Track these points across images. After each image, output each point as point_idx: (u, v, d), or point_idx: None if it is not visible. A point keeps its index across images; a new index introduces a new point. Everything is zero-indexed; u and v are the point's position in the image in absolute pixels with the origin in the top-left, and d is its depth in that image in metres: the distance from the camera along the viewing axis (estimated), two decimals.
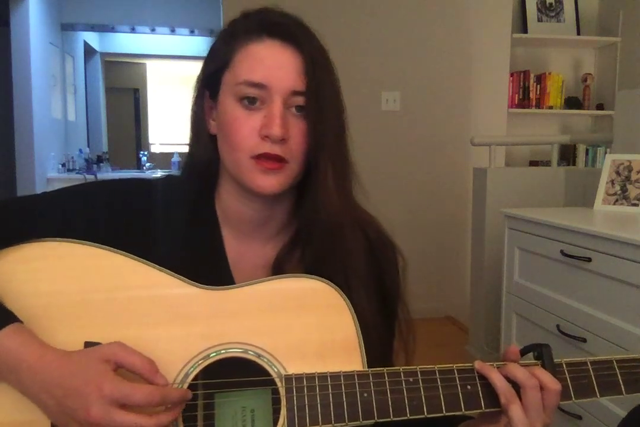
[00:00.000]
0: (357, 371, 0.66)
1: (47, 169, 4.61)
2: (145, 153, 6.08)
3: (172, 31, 5.45)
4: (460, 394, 0.67)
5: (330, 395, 0.65)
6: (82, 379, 0.60)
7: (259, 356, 0.67)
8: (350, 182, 0.78)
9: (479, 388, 0.67)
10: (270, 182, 0.72)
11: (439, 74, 3.48)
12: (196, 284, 0.69)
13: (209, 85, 0.77)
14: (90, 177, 4.58)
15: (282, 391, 0.65)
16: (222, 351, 0.67)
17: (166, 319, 0.68)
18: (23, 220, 0.73)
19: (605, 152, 3.29)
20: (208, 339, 0.67)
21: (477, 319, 2.83)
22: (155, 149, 6.67)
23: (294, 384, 0.65)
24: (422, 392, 0.66)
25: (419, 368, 0.67)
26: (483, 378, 0.67)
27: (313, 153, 0.73)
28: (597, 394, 0.69)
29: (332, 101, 0.75)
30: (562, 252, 1.71)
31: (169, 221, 0.78)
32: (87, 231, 0.73)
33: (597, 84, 3.81)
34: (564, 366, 0.70)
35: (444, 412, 0.66)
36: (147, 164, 5.82)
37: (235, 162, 0.73)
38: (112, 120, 6.30)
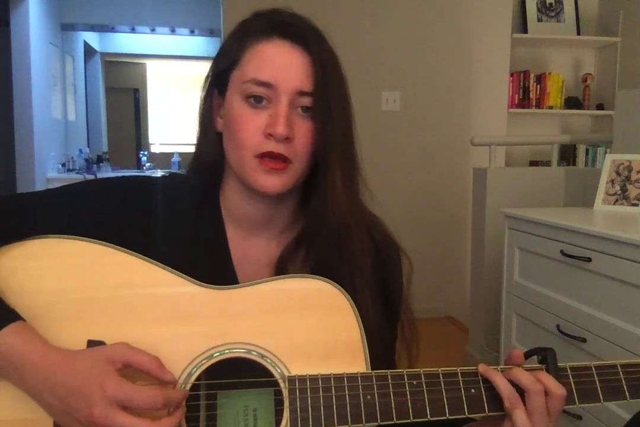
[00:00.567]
0: (360, 373, 0.66)
1: (47, 169, 4.61)
2: (145, 153, 6.07)
3: (172, 31, 5.44)
4: (464, 397, 0.67)
5: (334, 397, 0.65)
6: (85, 378, 0.60)
7: (262, 356, 0.67)
8: (357, 184, 0.79)
9: (483, 392, 0.67)
10: (273, 182, 0.72)
11: (439, 74, 3.48)
12: (201, 283, 0.69)
13: (218, 83, 0.77)
14: (90, 177, 4.56)
15: (285, 392, 0.65)
16: (226, 351, 0.67)
17: (170, 318, 0.68)
18: (26, 216, 0.73)
19: (605, 152, 3.29)
20: (212, 339, 0.67)
21: (477, 319, 2.83)
22: (155, 149, 6.67)
23: (297, 386, 0.65)
24: (426, 395, 0.66)
25: (423, 371, 0.67)
26: (487, 382, 0.67)
27: (321, 154, 0.74)
28: (601, 399, 0.68)
29: (340, 103, 0.75)
30: (562, 252, 1.72)
31: (173, 218, 0.78)
32: (91, 228, 0.73)
33: (597, 84, 3.81)
34: (569, 370, 0.69)
35: (448, 415, 0.66)
36: (147, 164, 5.82)
37: (240, 160, 0.74)
38: (112, 120, 6.30)
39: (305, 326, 0.68)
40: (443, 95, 3.50)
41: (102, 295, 0.68)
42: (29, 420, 0.64)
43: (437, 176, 3.52)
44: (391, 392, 0.65)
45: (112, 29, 5.45)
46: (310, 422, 0.64)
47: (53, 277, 0.68)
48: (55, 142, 4.81)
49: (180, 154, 5.48)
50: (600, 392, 0.69)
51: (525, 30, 3.62)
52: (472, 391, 0.67)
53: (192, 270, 0.70)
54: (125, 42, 5.89)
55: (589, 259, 1.61)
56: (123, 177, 0.81)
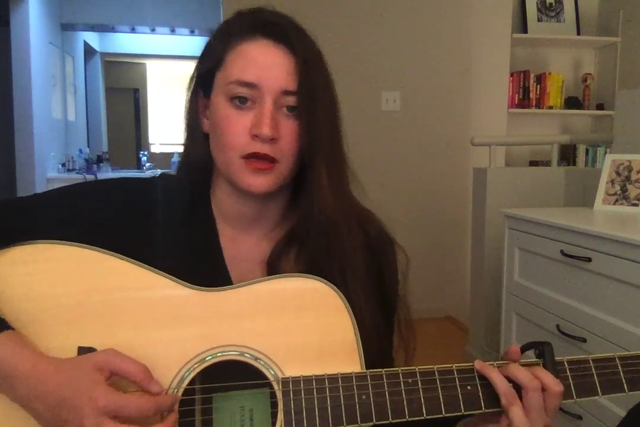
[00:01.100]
0: (355, 373, 0.66)
1: (47, 169, 4.61)
2: (145, 153, 6.08)
3: (172, 31, 5.44)
4: (460, 394, 0.66)
5: (328, 398, 0.64)
6: (75, 389, 0.59)
7: (255, 358, 0.66)
8: (346, 182, 0.78)
9: (479, 389, 0.66)
10: (259, 182, 0.72)
11: (439, 74, 3.48)
12: (191, 285, 0.69)
13: (203, 84, 0.77)
14: (90, 177, 4.58)
15: (278, 395, 0.65)
16: (219, 354, 0.66)
17: (161, 321, 0.67)
18: (17, 221, 0.72)
19: (605, 152, 3.29)
20: (204, 342, 0.67)
21: (477, 319, 2.83)
22: (155, 149, 6.67)
23: (290, 387, 0.65)
24: (421, 394, 0.65)
25: (418, 369, 0.66)
26: (483, 378, 0.67)
27: (306, 153, 0.73)
28: (599, 392, 0.68)
29: (325, 102, 0.74)
30: (562, 252, 1.71)
31: (165, 218, 0.78)
32: (84, 231, 0.72)
33: (597, 84, 3.80)
34: (566, 364, 0.69)
35: (444, 413, 0.65)
36: (147, 164, 5.82)
37: (226, 161, 0.73)
38: (112, 120, 6.30)
39: (299, 326, 0.68)
40: (443, 95, 3.50)
41: (92, 300, 0.67)
42: None
43: (437, 176, 3.52)
44: (386, 392, 0.65)
45: (112, 29, 5.45)
46: (305, 424, 0.63)
47: (43, 284, 0.67)
48: (55, 142, 4.81)
49: (180, 154, 5.46)
50: (598, 385, 0.68)
51: (525, 30, 3.61)
52: (469, 388, 0.66)
53: (185, 270, 0.70)
54: (125, 42, 5.89)
55: (589, 259, 1.61)
56: (115, 178, 0.81)
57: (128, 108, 6.64)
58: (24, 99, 4.22)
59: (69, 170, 4.91)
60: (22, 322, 0.65)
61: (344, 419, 0.64)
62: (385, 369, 0.66)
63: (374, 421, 0.64)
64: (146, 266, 0.69)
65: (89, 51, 5.81)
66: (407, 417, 0.64)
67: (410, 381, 0.66)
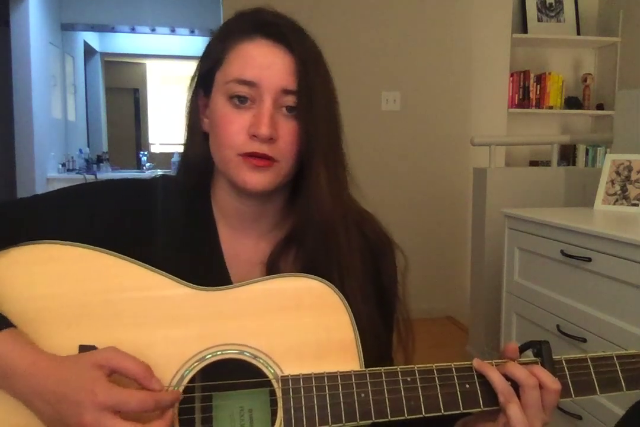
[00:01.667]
0: (354, 371, 0.66)
1: (47, 169, 4.61)
2: (145, 153, 6.08)
3: (172, 31, 5.44)
4: (458, 393, 0.66)
5: (327, 396, 0.64)
6: (75, 385, 0.60)
7: (255, 357, 0.67)
8: (344, 183, 0.78)
9: (478, 387, 0.67)
10: (257, 179, 0.72)
11: (439, 74, 3.48)
12: (191, 284, 0.69)
13: (203, 84, 0.77)
14: (90, 177, 4.58)
15: (278, 393, 0.65)
16: (218, 353, 0.66)
17: (161, 321, 0.67)
18: (18, 222, 0.72)
19: (605, 152, 3.29)
20: (204, 341, 0.67)
21: (477, 319, 2.83)
22: (155, 149, 6.67)
23: (290, 385, 0.65)
24: (420, 392, 0.65)
25: (417, 367, 0.67)
26: (481, 377, 0.67)
27: (305, 154, 0.73)
28: (597, 391, 0.68)
29: (325, 102, 0.74)
30: (562, 252, 1.71)
31: (165, 219, 0.78)
32: (84, 232, 0.72)
33: (597, 84, 3.80)
34: (564, 362, 0.69)
35: (442, 411, 0.65)
36: (147, 164, 5.82)
37: (223, 159, 0.73)
38: (112, 120, 6.30)
39: (298, 325, 0.68)
40: (443, 95, 3.50)
41: (93, 299, 0.67)
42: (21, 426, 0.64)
43: (437, 176, 3.52)
44: (385, 390, 0.65)
45: (112, 29, 5.45)
46: (304, 422, 0.64)
47: (43, 283, 0.68)
48: (55, 142, 4.81)
49: (180, 154, 5.45)
50: (596, 384, 0.68)
51: (525, 30, 3.62)
52: (467, 386, 0.66)
53: (185, 270, 0.70)
54: (125, 42, 5.89)
55: (589, 259, 1.61)
56: (115, 179, 0.81)
57: (128, 108, 6.64)
58: (24, 99, 4.22)
59: (69, 170, 4.91)
60: (24, 322, 0.66)
61: (343, 417, 0.64)
62: (384, 368, 0.66)
63: (373, 419, 0.64)
64: (146, 265, 0.69)
65: (89, 51, 5.81)
66: (405, 415, 0.65)
67: (409, 379, 0.66)
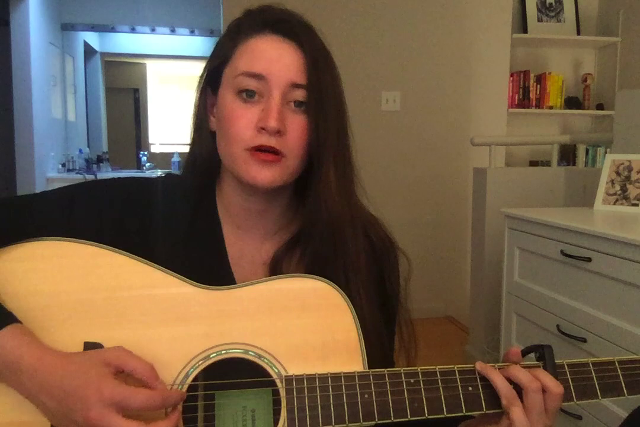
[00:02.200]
0: (357, 372, 0.66)
1: (47, 169, 4.61)
2: (145, 153, 6.07)
3: (172, 31, 5.44)
4: (461, 395, 0.66)
5: (331, 396, 0.65)
6: (82, 381, 0.60)
7: (259, 356, 0.67)
8: (352, 182, 0.78)
9: (480, 389, 0.67)
10: (265, 174, 0.71)
11: (439, 74, 3.48)
12: (197, 283, 0.69)
13: (211, 81, 0.77)
14: (90, 177, 4.58)
15: (282, 392, 0.65)
16: (223, 352, 0.67)
17: (166, 319, 0.67)
18: (23, 218, 0.73)
19: (605, 152, 3.29)
20: (208, 340, 0.67)
21: (477, 319, 2.83)
22: (155, 149, 6.67)
23: (294, 385, 0.65)
24: (423, 394, 0.66)
25: (420, 369, 0.67)
26: (484, 379, 0.67)
27: (314, 150, 0.73)
28: (599, 395, 0.68)
29: (334, 98, 0.74)
30: (562, 252, 1.71)
31: (170, 218, 0.78)
32: (89, 230, 0.73)
33: (597, 84, 3.80)
34: (566, 367, 0.69)
35: (445, 413, 0.65)
36: (147, 164, 5.82)
37: (231, 154, 0.73)
38: (112, 120, 6.30)
39: (303, 325, 0.68)
40: (443, 95, 3.50)
41: (98, 297, 0.68)
42: (26, 422, 0.64)
43: (437, 176, 3.52)
44: (388, 391, 0.65)
45: (112, 29, 5.45)
46: (308, 422, 0.64)
47: (49, 280, 0.68)
48: (55, 142, 4.81)
49: (180, 154, 5.46)
50: (597, 388, 0.69)
51: (525, 30, 3.62)
52: (470, 389, 0.67)
53: (190, 270, 0.70)
54: (125, 42, 5.89)
55: (589, 259, 1.61)
56: (119, 178, 0.81)
57: (128, 108, 6.64)
58: (24, 99, 4.22)
59: (69, 170, 4.91)
60: (28, 318, 0.66)
61: (347, 417, 0.64)
62: (387, 369, 0.67)
63: (376, 420, 0.65)
64: (152, 263, 0.69)
65: (89, 51, 5.80)
66: (409, 416, 0.65)
67: (412, 380, 0.66)
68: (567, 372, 0.69)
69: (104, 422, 0.58)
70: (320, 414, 0.64)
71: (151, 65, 6.65)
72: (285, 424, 0.64)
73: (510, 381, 0.66)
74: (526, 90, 3.67)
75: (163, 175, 0.84)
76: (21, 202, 0.76)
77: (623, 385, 0.69)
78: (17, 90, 4.22)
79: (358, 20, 3.38)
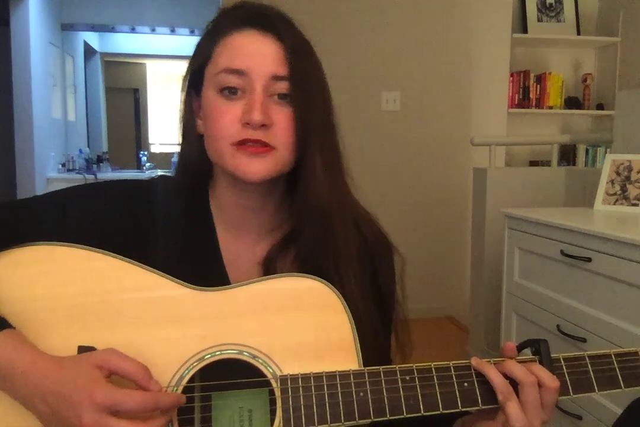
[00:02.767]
0: (352, 371, 0.66)
1: (47, 169, 4.61)
2: (145, 153, 6.08)
3: (172, 31, 5.44)
4: (457, 391, 0.66)
5: (326, 395, 0.64)
6: (74, 386, 0.59)
7: (254, 357, 0.67)
8: (340, 171, 0.77)
9: (476, 385, 0.66)
10: (255, 167, 0.71)
11: (439, 74, 3.48)
12: (190, 285, 0.69)
13: (195, 83, 0.77)
14: (90, 177, 4.59)
15: (277, 392, 0.65)
16: (217, 353, 0.66)
17: (160, 321, 0.67)
18: (19, 223, 0.72)
19: (605, 152, 3.29)
20: (203, 341, 0.67)
21: (477, 319, 2.82)
22: (155, 149, 6.68)
23: (289, 385, 0.65)
24: (419, 391, 0.65)
25: (415, 366, 0.67)
26: (480, 375, 0.67)
27: (300, 141, 0.72)
28: (596, 388, 0.68)
29: (317, 88, 0.74)
30: (562, 252, 1.71)
31: (164, 220, 0.77)
32: (82, 234, 0.72)
33: (597, 84, 3.80)
34: (562, 361, 0.69)
35: (441, 410, 0.65)
36: (147, 164, 5.82)
37: (218, 151, 0.72)
38: (112, 120, 6.30)
39: (297, 325, 0.68)
40: (443, 95, 3.50)
41: (92, 300, 0.67)
42: None
43: (437, 176, 3.52)
44: (384, 389, 0.65)
45: (112, 29, 5.45)
46: (303, 421, 0.64)
47: (42, 284, 0.68)
48: (55, 142, 4.82)
49: (177, 157, 5.45)
50: (594, 382, 0.68)
51: (525, 30, 3.62)
52: (465, 384, 0.66)
53: (184, 271, 0.70)
54: (125, 42, 5.89)
55: (589, 259, 1.60)
56: (112, 181, 0.80)
57: (128, 108, 6.65)
58: (24, 99, 4.22)
59: (69, 170, 4.91)
60: (23, 323, 0.66)
61: (342, 416, 0.64)
62: (382, 367, 0.66)
63: (372, 418, 0.64)
64: (145, 266, 0.69)
65: (89, 51, 5.81)
66: (404, 414, 0.65)
67: (407, 378, 0.66)
68: (563, 366, 0.69)
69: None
70: (315, 413, 0.64)
71: (151, 65, 6.66)
72: (281, 424, 0.64)
73: (506, 376, 0.66)
74: (526, 90, 3.67)
75: (156, 176, 0.84)
76: (17, 207, 0.76)
77: (620, 377, 0.69)
78: (17, 90, 4.22)
79: (358, 20, 3.38)
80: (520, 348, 0.70)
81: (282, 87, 0.71)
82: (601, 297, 1.58)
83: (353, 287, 0.74)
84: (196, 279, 0.69)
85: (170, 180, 0.82)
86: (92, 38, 5.75)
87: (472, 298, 2.90)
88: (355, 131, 3.20)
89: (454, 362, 0.67)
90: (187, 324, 0.67)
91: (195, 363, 0.66)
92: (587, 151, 3.57)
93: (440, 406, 0.65)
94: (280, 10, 0.75)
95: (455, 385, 0.66)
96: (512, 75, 3.60)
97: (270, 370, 0.66)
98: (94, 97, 5.98)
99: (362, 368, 0.67)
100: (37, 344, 0.65)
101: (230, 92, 0.71)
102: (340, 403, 0.64)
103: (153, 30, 5.45)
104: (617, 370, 0.69)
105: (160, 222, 0.77)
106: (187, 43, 5.63)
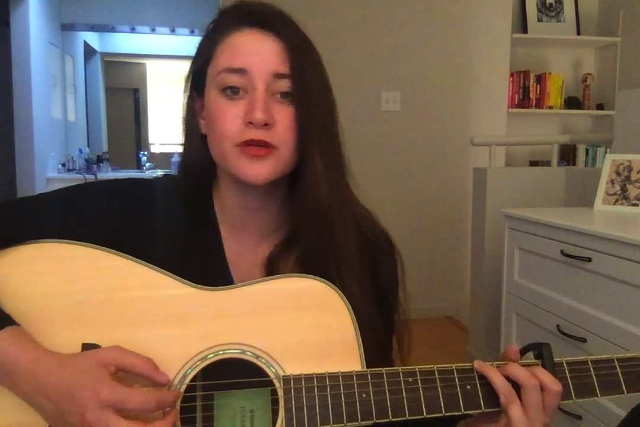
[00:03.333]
0: (355, 372, 0.66)
1: (47, 169, 4.61)
2: (145, 153, 6.08)
3: (172, 31, 5.44)
4: (459, 394, 0.66)
5: (329, 396, 0.64)
6: (78, 383, 0.60)
7: (257, 356, 0.67)
8: (341, 170, 0.77)
9: (479, 388, 0.67)
10: (259, 170, 0.71)
11: (439, 74, 3.48)
12: (194, 284, 0.69)
13: (197, 84, 0.77)
14: (90, 177, 4.58)
15: (280, 392, 0.65)
16: (220, 352, 0.67)
17: (164, 320, 0.67)
18: (21, 221, 0.72)
19: (605, 152, 3.29)
20: (206, 340, 0.67)
21: (477, 319, 2.83)
22: (155, 149, 6.67)
23: (292, 385, 0.65)
24: (421, 393, 0.65)
25: (418, 368, 0.67)
26: (482, 378, 0.67)
27: (301, 139, 0.72)
28: (598, 393, 0.68)
29: (318, 86, 0.73)
30: (562, 252, 1.71)
31: (167, 220, 0.77)
32: (85, 232, 0.72)
33: (597, 84, 3.80)
34: (565, 365, 0.69)
35: (443, 412, 0.65)
36: (147, 164, 5.82)
37: (221, 152, 0.72)
38: (112, 120, 6.30)
39: (300, 325, 0.68)
40: (443, 95, 3.50)
41: (95, 298, 0.67)
42: (24, 424, 0.64)
43: (437, 176, 3.52)
44: (386, 390, 0.65)
45: (112, 29, 5.45)
46: (306, 422, 0.64)
47: (47, 282, 0.68)
48: (55, 142, 4.81)
49: (179, 158, 5.45)
50: (597, 386, 0.68)
51: (525, 30, 3.62)
52: (468, 387, 0.67)
53: (187, 271, 0.70)
54: (125, 42, 5.89)
55: (589, 259, 1.61)
56: (115, 179, 0.80)
57: (128, 108, 6.64)
58: (24, 99, 4.22)
59: (69, 170, 4.91)
60: (26, 320, 0.66)
61: (345, 417, 0.64)
62: (385, 368, 0.67)
63: (375, 419, 0.64)
64: (149, 264, 0.69)
65: (89, 51, 5.81)
66: (407, 415, 0.65)
67: (410, 380, 0.66)
68: (566, 370, 0.69)
69: (101, 424, 0.58)
70: (318, 414, 0.64)
71: (151, 65, 6.66)
72: (283, 424, 0.64)
73: (509, 379, 0.66)
74: (526, 91, 3.67)
75: (160, 175, 0.84)
76: (20, 204, 0.76)
77: (622, 383, 0.69)
78: (17, 90, 4.22)
79: (358, 20, 3.38)
80: (523, 351, 0.70)
81: (284, 85, 0.71)
82: (601, 297, 1.58)
83: (354, 288, 0.74)
84: (199, 278, 0.69)
85: (174, 180, 0.82)
86: (92, 38, 5.75)
87: (472, 298, 2.90)
88: (355, 131, 3.20)
89: (456, 364, 0.68)
90: (191, 323, 0.67)
91: (198, 362, 0.66)
92: (587, 151, 3.57)
93: (443, 408, 0.65)
94: (280, 9, 0.75)
95: (458, 387, 0.66)
96: (512, 75, 3.60)
97: (273, 370, 0.66)
98: (94, 97, 5.97)
99: (365, 369, 0.67)
100: (41, 341, 0.65)
101: (232, 91, 0.71)
102: (343, 404, 0.64)
103: (153, 30, 5.44)
104: (620, 375, 0.69)
105: (163, 221, 0.77)
106: (187, 43, 5.63)
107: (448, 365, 0.67)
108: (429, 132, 3.50)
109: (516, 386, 0.66)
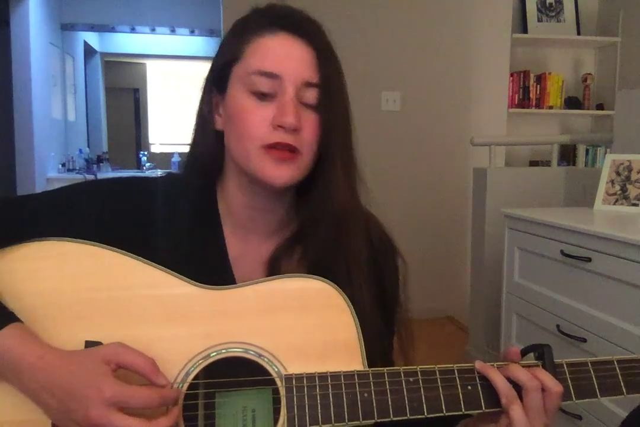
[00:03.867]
0: (357, 371, 0.66)
1: (47, 169, 4.61)
2: (145, 153, 6.08)
3: (172, 31, 5.44)
4: (460, 394, 0.66)
5: (330, 395, 0.65)
6: (82, 380, 0.60)
7: (259, 355, 0.67)
8: (355, 178, 0.78)
9: (480, 388, 0.67)
10: (282, 173, 0.71)
11: (439, 74, 3.48)
12: (198, 283, 0.69)
13: (217, 80, 0.77)
14: (90, 177, 4.58)
15: (282, 391, 0.65)
16: (223, 351, 0.67)
17: (167, 318, 0.68)
18: (25, 219, 0.73)
19: (605, 152, 3.29)
20: (209, 339, 0.67)
21: (477, 319, 2.83)
22: (155, 149, 6.67)
23: (294, 384, 0.65)
24: (422, 393, 0.66)
25: (419, 368, 0.67)
26: (483, 378, 0.67)
27: (324, 145, 0.73)
28: (598, 394, 0.69)
29: (341, 95, 0.75)
30: (562, 252, 1.71)
31: (171, 218, 0.78)
32: (89, 230, 0.72)
33: (597, 84, 3.81)
34: (565, 366, 0.69)
35: (444, 412, 0.66)
36: (147, 164, 5.82)
37: (245, 152, 0.72)
38: (112, 120, 6.30)
39: (303, 325, 0.68)
40: (443, 95, 3.50)
41: (100, 296, 0.68)
42: (28, 421, 0.65)
43: (437, 176, 3.52)
44: (388, 390, 0.65)
45: (112, 29, 5.45)
46: (307, 420, 0.64)
47: (51, 279, 0.68)
48: (55, 142, 4.82)
49: (180, 154, 5.46)
50: (597, 388, 0.69)
51: (525, 30, 3.62)
52: (469, 387, 0.67)
53: (190, 269, 0.70)
54: (125, 42, 5.89)
55: (589, 259, 1.61)
56: (120, 177, 0.81)
57: (128, 108, 6.64)
58: (24, 99, 4.23)
59: (69, 170, 4.91)
60: (30, 318, 0.66)
61: (346, 416, 0.64)
62: (387, 368, 0.67)
63: (376, 418, 0.65)
64: (152, 263, 0.70)
65: (89, 51, 5.80)
66: (408, 415, 0.65)
67: (411, 379, 0.66)
68: (566, 372, 0.69)
69: (105, 421, 0.59)
70: (319, 413, 0.64)
71: (151, 65, 6.65)
72: (285, 423, 0.64)
73: (510, 380, 0.67)
74: (526, 90, 3.67)
75: (164, 174, 0.84)
76: (21, 203, 0.76)
77: (622, 384, 0.69)
78: (17, 90, 4.22)
79: (358, 20, 3.38)
80: (523, 353, 0.70)
81: (311, 95, 0.72)
82: (601, 297, 1.59)
83: (363, 291, 0.74)
84: (201, 277, 0.70)
85: (179, 178, 0.82)
86: (92, 38, 5.75)
87: (472, 298, 2.90)
88: (355, 131, 3.20)
89: (457, 365, 0.68)
90: (194, 322, 0.68)
91: (201, 361, 0.67)
92: (587, 151, 3.57)
93: (444, 408, 0.66)
94: (308, 13, 0.77)
95: (459, 388, 0.67)
96: (512, 75, 3.61)
97: (275, 369, 0.67)
98: (94, 97, 5.97)
99: (367, 369, 0.67)
100: (45, 338, 0.65)
101: (261, 96, 0.72)
102: (344, 403, 0.64)
103: (153, 30, 5.45)
104: (620, 377, 0.70)
105: (168, 219, 0.77)
106: (187, 43, 5.64)
107: (449, 365, 0.68)
108: (429, 132, 3.50)
109: (517, 387, 0.66)
